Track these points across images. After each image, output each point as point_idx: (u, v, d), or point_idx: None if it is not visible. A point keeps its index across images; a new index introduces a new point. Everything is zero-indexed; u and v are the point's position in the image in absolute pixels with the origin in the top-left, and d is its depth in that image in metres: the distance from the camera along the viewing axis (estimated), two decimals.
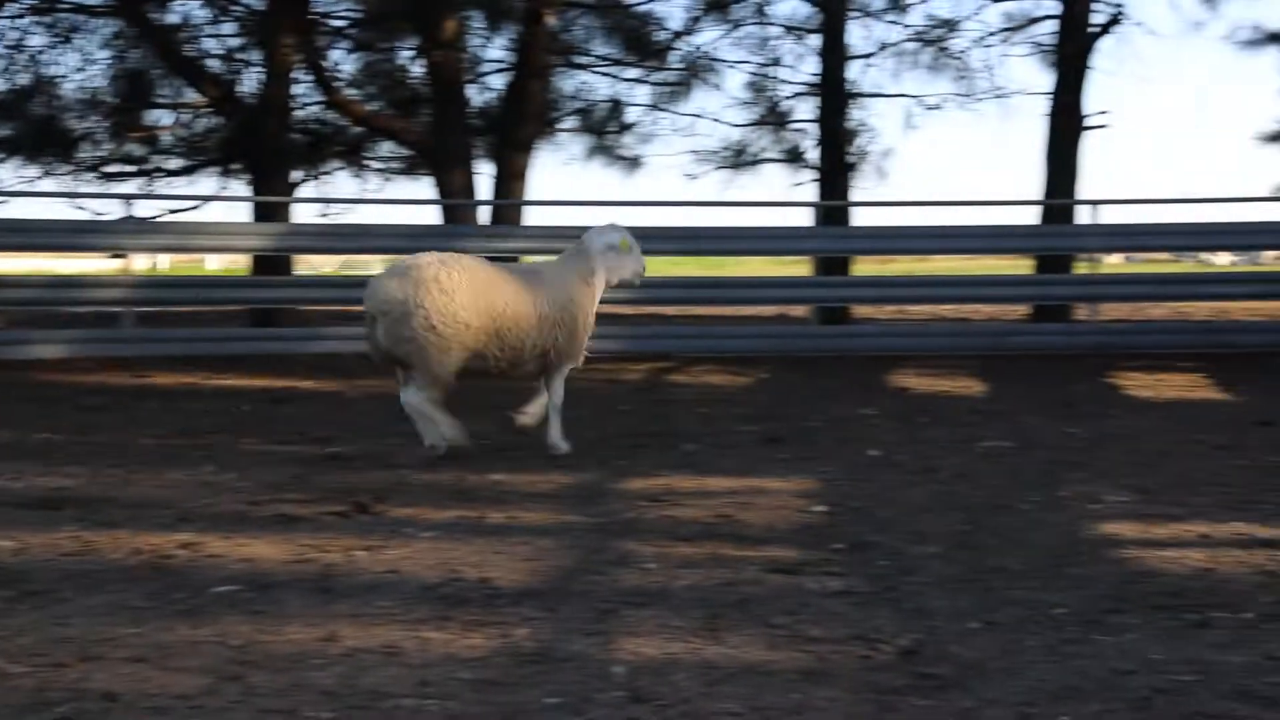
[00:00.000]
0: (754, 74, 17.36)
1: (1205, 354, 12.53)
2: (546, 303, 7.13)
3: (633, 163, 17.98)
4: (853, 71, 16.38)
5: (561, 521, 5.59)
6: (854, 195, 16.50)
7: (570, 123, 17.88)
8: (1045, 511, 5.75)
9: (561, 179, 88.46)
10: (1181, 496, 6.06)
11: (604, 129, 17.78)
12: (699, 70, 17.17)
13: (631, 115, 17.80)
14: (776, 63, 17.24)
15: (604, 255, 7.44)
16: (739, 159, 17.55)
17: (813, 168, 16.37)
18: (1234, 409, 9.32)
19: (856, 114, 16.76)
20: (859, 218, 15.59)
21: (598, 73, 17.46)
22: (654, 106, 17.67)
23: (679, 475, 6.70)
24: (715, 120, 17.52)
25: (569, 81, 17.55)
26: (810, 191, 16.29)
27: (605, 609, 4.22)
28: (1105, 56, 23.62)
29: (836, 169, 15.86)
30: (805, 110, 17.12)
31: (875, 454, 7.37)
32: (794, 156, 17.22)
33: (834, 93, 15.87)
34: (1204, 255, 28.65)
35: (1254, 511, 5.70)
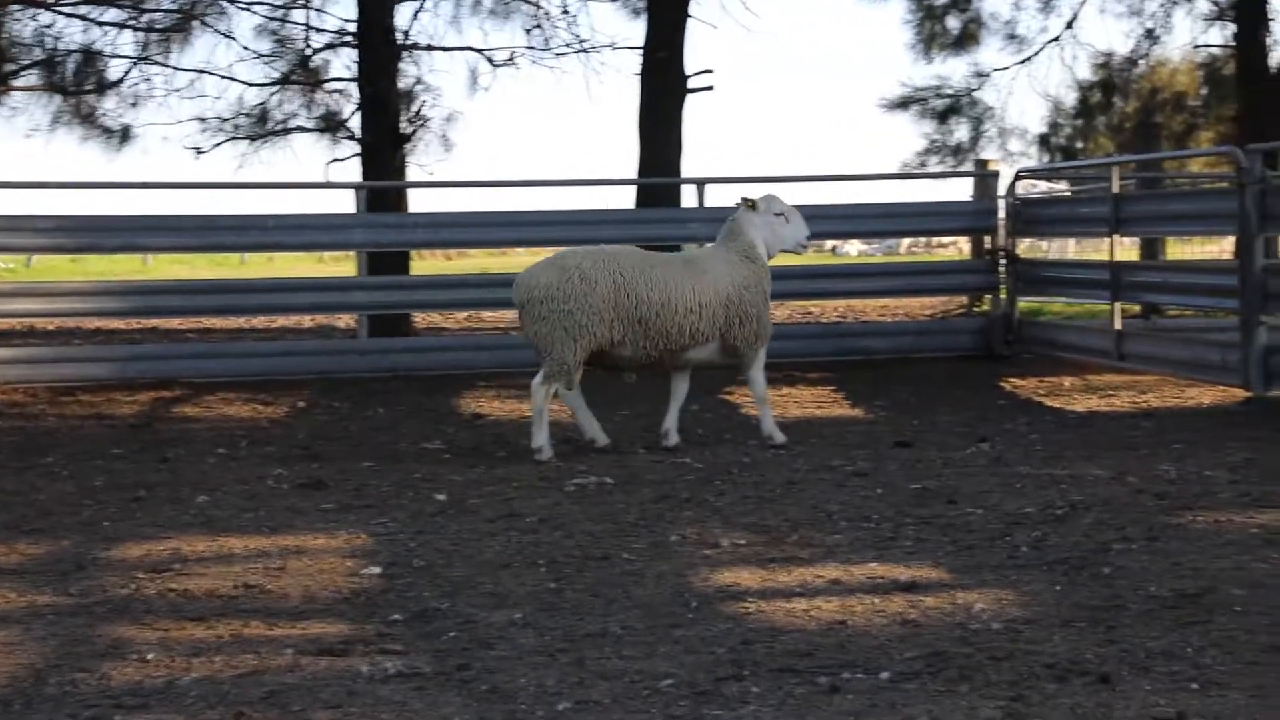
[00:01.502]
0: (272, 17, 17.12)
1: (835, 362, 13.28)
2: (703, 288, 8.73)
3: (119, 133, 17.41)
4: (401, 17, 16.45)
5: (29, 605, 5.35)
6: (409, 174, 16.56)
7: (29, 79, 17.14)
8: (650, 561, 5.95)
9: (20, 155, 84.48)
10: (811, 535, 6.40)
11: (76, 88, 17.12)
12: (199, 11, 16.79)
13: (114, 70, 17.24)
14: (303, 3, 17.09)
15: (756, 225, 9.05)
16: (260, 128, 17.29)
17: (356, 139, 16.31)
18: (869, 427, 9.93)
19: (409, 71, 16.84)
20: (417, 202, 15.67)
21: (64, 13, 16.81)
22: (143, 59, 17.14)
23: (190, 536, 6.55)
24: (227, 78, 17.17)
25: (25, 25, 16.81)
26: (353, 169, 16.23)
27: (91, 716, 4.06)
28: (706, 4, 24.63)
29: (386, 141, 15.86)
30: (343, 66, 17.07)
31: (442, 499, 7.42)
32: (331, 125, 17.11)
33: (379, 44, 15.86)
34: (831, 244, 30.36)
35: (894, 549, 6.09)
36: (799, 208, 13.22)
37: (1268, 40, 19.07)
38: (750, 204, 9.09)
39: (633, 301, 8.62)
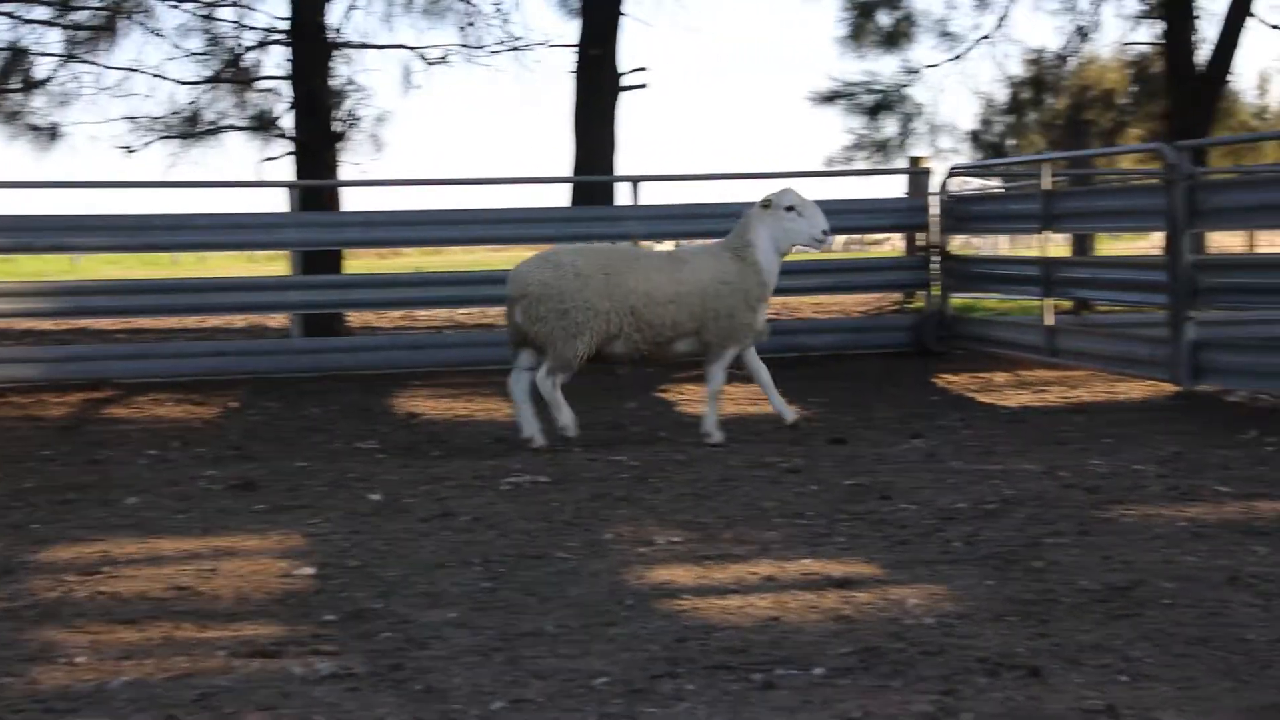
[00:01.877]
0: (203, 15, 17.00)
1: (769, 359, 13.27)
2: (683, 281, 8.85)
3: (47, 132, 17.25)
4: (333, 15, 16.39)
5: None
6: (342, 172, 16.49)
7: None
8: (585, 560, 5.95)
9: None
10: (746, 532, 6.42)
11: (3, 86, 16.95)
12: (126, 8, 16.65)
13: (41, 68, 17.06)
14: (233, 1, 16.99)
15: (766, 222, 8.99)
16: (191, 127, 17.17)
17: (288, 138, 16.24)
18: (804, 424, 9.95)
19: (341, 70, 16.77)
20: (351, 201, 15.61)
21: None
22: (71, 57, 16.97)
23: (120, 538, 6.50)
24: (157, 76, 17.04)
25: None
26: (286, 168, 16.15)
27: None
28: (641, 1, 24.68)
29: (319, 140, 15.80)
30: (275, 64, 16.97)
31: (377, 499, 7.40)
32: (263, 123, 17.02)
33: (311, 42, 15.80)
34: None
35: (828, 545, 6.11)
36: (730, 205, 13.31)
37: (1195, 39, 19.28)
38: (764, 202, 9.05)
39: (622, 292, 8.80)
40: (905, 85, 21.88)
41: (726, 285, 8.92)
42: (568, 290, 8.77)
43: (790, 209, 8.97)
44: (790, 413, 9.20)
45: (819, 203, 9.05)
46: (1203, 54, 19.25)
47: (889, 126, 21.96)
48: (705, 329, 8.94)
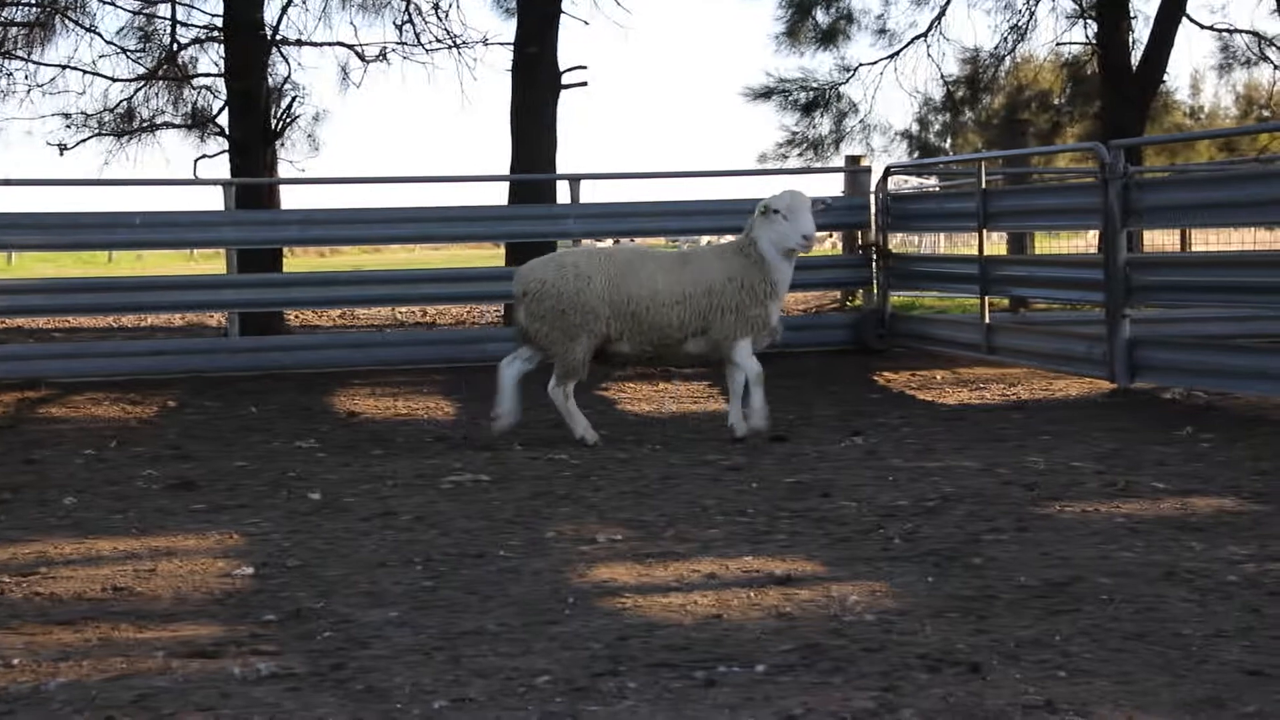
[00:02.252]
0: (138, 12, 16.88)
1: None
2: (691, 281, 8.85)
3: None
4: (270, 12, 16.29)
5: None
6: (280, 171, 16.41)
7: None
8: (527, 558, 5.94)
9: None
10: (687, 530, 6.42)
11: None
12: (63, 5, 16.51)
13: None
14: None
15: (762, 224, 8.95)
16: (127, 124, 17.04)
17: (225, 135, 16.14)
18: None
19: (278, 67, 16.69)
20: (290, 199, 15.53)
21: None
22: (4, 53, 16.81)
23: (57, 538, 6.45)
24: (91, 73, 16.90)
25: None
26: (223, 166, 16.06)
27: None
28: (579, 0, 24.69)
29: (256, 137, 15.71)
30: (211, 62, 16.87)
31: (316, 498, 7.37)
32: (199, 121, 16.92)
33: (247, 39, 15.70)
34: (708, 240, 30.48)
35: (769, 543, 6.13)
36: (669, 204, 13.31)
37: (1129, 38, 19.44)
38: (761, 208, 8.99)
39: (623, 297, 8.83)
40: (841, 83, 21.96)
41: (732, 282, 8.88)
42: (566, 291, 8.83)
43: (777, 212, 8.91)
44: (742, 427, 9.04)
45: (781, 200, 8.96)
46: (1136, 54, 19.41)
47: (823, 124, 22.04)
48: (713, 327, 8.89)
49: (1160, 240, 17.72)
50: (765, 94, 21.97)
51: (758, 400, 8.96)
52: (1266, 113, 29.76)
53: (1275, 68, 22.81)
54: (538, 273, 8.98)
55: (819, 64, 21.67)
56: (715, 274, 8.92)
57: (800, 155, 21.90)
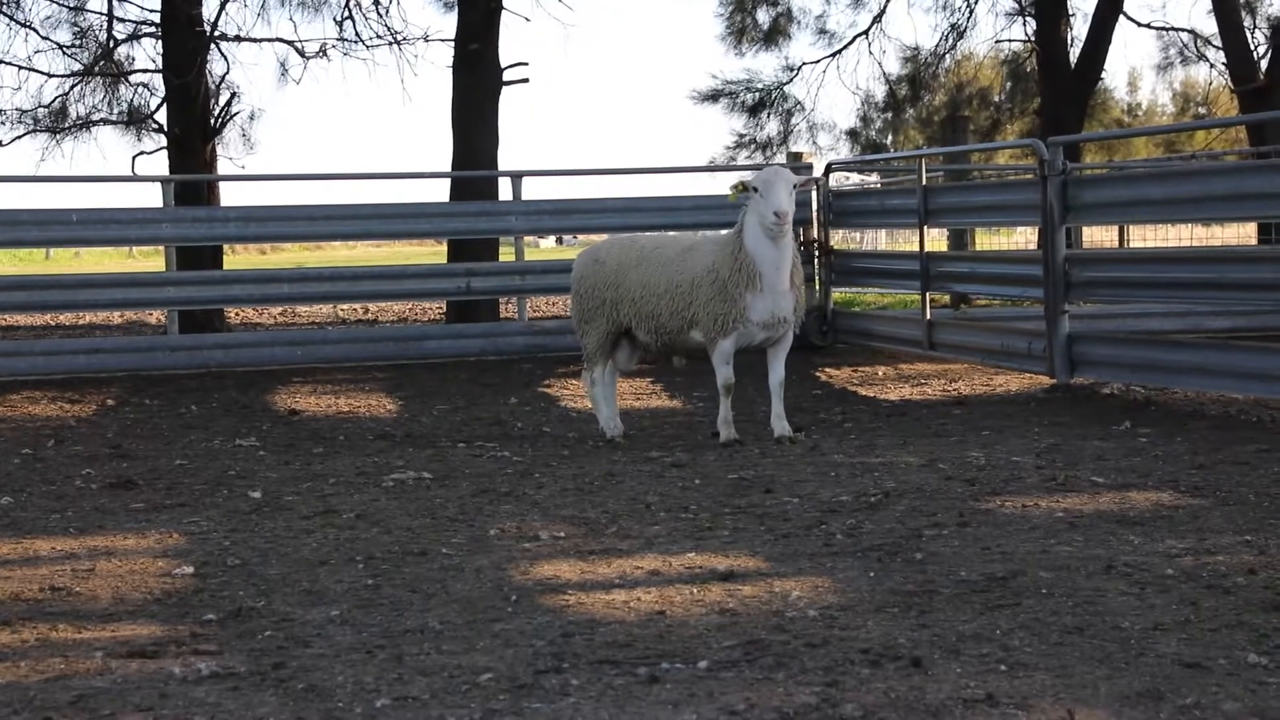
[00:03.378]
0: (72, 7, 16.74)
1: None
2: (679, 271, 8.65)
3: None
4: (208, 7, 16.19)
5: None
6: (219, 167, 16.32)
7: None
8: (469, 556, 5.93)
9: None
10: (630, 526, 6.43)
11: None
12: None
13: None
14: None
15: (749, 206, 8.57)
16: (61, 121, 16.91)
17: (163, 132, 16.04)
18: (688, 419, 10.01)
19: (216, 64, 16.59)
20: (229, 196, 15.45)
21: None
22: None
23: None
24: (25, 68, 16.77)
25: None
26: (161, 163, 15.96)
27: None
28: None
29: (194, 134, 15.63)
30: (148, 58, 16.77)
31: (257, 496, 7.33)
32: (136, 117, 16.81)
33: (184, 35, 15.61)
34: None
35: (712, 539, 6.14)
36: (611, 200, 13.29)
37: (1068, 36, 19.59)
38: (739, 185, 8.67)
39: (628, 283, 8.81)
40: (785, 83, 22.05)
41: (709, 274, 8.54)
42: (585, 278, 8.98)
43: (755, 190, 8.47)
44: (727, 431, 8.73)
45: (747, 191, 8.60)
46: (1075, 51, 19.57)
47: (770, 125, 22.14)
48: (699, 320, 8.60)
49: (1099, 236, 17.86)
50: (712, 96, 22.08)
51: (723, 411, 8.76)
52: (1203, 110, 30.02)
53: (1212, 66, 23.05)
54: (577, 261, 9.21)
55: (763, 64, 21.93)
56: (700, 265, 8.62)
57: (749, 157, 22.02)
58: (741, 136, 22.32)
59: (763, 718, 3.90)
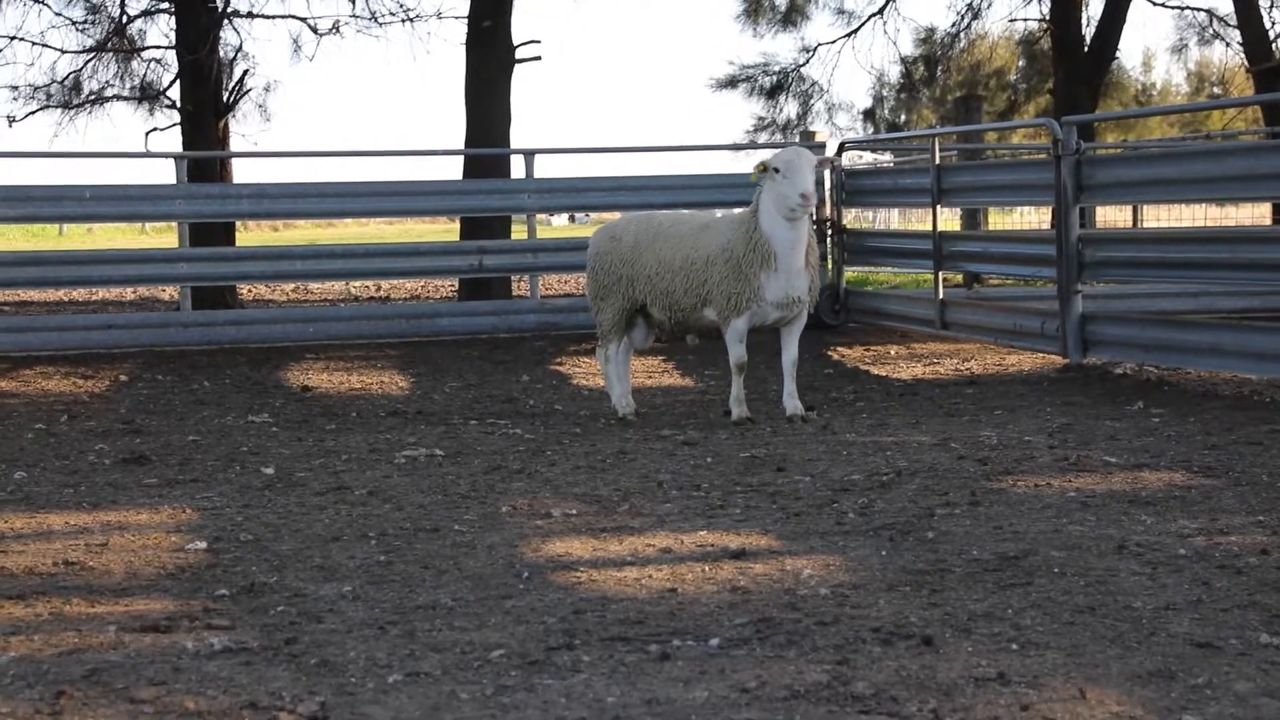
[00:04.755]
0: None
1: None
2: (694, 249, 8.59)
3: None
4: None
5: None
6: (233, 144, 16.32)
7: None
8: (481, 532, 5.94)
9: None
10: (642, 504, 6.44)
11: None
12: None
13: None
14: None
15: (766, 187, 8.45)
16: (75, 97, 16.91)
17: (176, 108, 16.04)
18: (699, 397, 10.02)
19: (229, 39, 16.59)
20: (242, 172, 15.45)
21: None
22: None
23: (6, 513, 6.41)
24: (40, 44, 16.77)
25: None
26: (174, 139, 15.96)
27: None
28: None
29: (207, 110, 15.62)
30: (161, 34, 16.76)
31: (269, 472, 7.34)
32: (150, 93, 16.80)
33: (198, 10, 15.60)
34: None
35: (723, 517, 6.14)
36: (624, 179, 13.27)
37: (1083, 15, 19.52)
38: (760, 165, 8.54)
39: (643, 260, 8.77)
40: (801, 65, 22.03)
41: (724, 253, 8.47)
42: (602, 254, 8.94)
43: (777, 170, 8.35)
44: (739, 410, 8.68)
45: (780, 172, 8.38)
46: (1090, 31, 19.50)
47: (789, 107, 22.15)
48: (713, 299, 8.55)
49: (1112, 216, 17.81)
50: (730, 83, 22.11)
51: (735, 390, 8.73)
52: (1218, 90, 29.92)
53: (1227, 45, 22.97)
54: (593, 237, 9.19)
55: (779, 46, 21.89)
56: (715, 244, 8.55)
57: (771, 138, 22.04)
58: (761, 119, 22.35)
59: (774, 695, 3.90)
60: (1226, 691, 3.86)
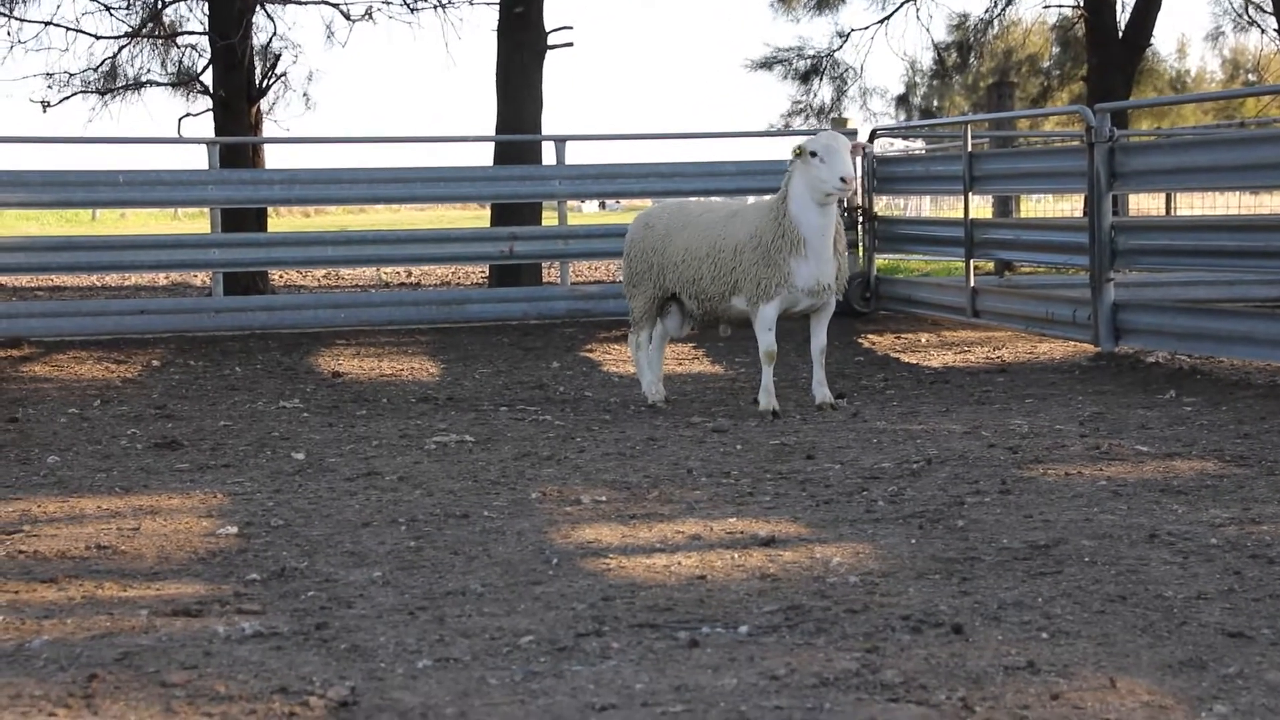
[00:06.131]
0: None
1: None
2: (722, 236, 8.54)
3: None
4: None
5: None
6: (265, 130, 16.35)
7: None
8: (511, 519, 5.95)
9: None
10: (672, 491, 6.44)
11: None
12: None
13: None
14: None
15: (798, 171, 8.37)
16: (110, 82, 16.97)
17: (209, 94, 16.08)
18: (729, 384, 10.01)
19: (264, 25, 16.63)
20: (274, 158, 15.49)
21: None
22: None
23: (40, 497, 6.44)
24: (75, 30, 16.83)
25: None
26: (207, 125, 16.01)
27: None
28: None
29: (240, 96, 15.65)
30: (196, 19, 16.80)
31: (301, 458, 7.37)
32: (184, 79, 16.85)
33: None
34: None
35: (753, 505, 6.14)
36: (655, 165, 13.22)
37: (1116, 1, 19.42)
38: (796, 150, 8.42)
39: (671, 248, 8.75)
40: (835, 50, 22.00)
41: (752, 240, 8.39)
42: (635, 242, 8.96)
43: (814, 155, 8.25)
44: (767, 400, 8.54)
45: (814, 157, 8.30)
46: (1124, 18, 19.40)
47: (823, 91, 22.14)
48: (742, 286, 8.46)
49: (1146, 204, 17.73)
50: (765, 64, 22.10)
51: (764, 379, 8.61)
52: (1253, 77, 29.73)
53: (1263, 31, 22.84)
54: (631, 226, 9.19)
55: (814, 30, 21.98)
56: (744, 231, 8.48)
57: (805, 122, 22.04)
58: (797, 103, 22.35)
59: (803, 683, 3.90)
60: (1258, 681, 3.84)
